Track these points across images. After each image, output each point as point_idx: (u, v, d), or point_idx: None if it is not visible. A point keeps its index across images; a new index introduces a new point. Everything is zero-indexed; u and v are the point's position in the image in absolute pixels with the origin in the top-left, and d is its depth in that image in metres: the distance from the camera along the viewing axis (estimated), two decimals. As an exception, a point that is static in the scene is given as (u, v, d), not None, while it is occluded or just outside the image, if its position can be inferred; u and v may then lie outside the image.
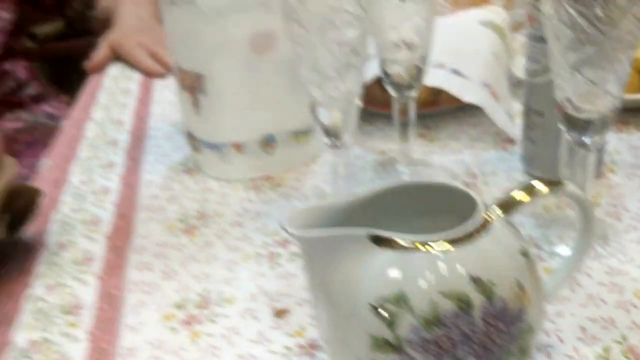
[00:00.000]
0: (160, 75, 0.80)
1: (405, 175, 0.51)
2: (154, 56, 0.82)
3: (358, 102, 0.43)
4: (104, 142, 0.63)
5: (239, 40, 0.49)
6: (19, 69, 1.03)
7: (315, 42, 0.40)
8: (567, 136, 0.38)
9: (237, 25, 0.49)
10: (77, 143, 0.64)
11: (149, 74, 0.80)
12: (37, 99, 1.05)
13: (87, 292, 0.41)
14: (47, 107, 1.05)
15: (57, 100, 1.10)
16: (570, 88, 0.36)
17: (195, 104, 0.53)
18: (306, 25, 0.40)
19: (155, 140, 0.62)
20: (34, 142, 0.94)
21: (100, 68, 0.85)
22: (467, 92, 0.54)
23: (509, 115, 0.56)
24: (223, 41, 0.49)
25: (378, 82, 0.51)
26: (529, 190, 0.29)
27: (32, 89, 1.03)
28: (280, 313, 0.38)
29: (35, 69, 1.08)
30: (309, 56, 0.41)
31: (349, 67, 0.42)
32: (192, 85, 0.52)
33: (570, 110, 0.36)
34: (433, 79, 0.53)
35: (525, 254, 0.28)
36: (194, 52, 0.51)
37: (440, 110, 0.59)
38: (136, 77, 0.80)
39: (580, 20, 0.32)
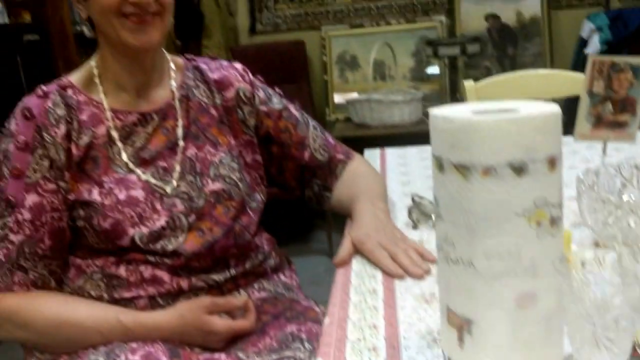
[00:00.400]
0: (400, 277, 0.93)
1: None
2: (394, 257, 0.96)
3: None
4: (366, 347, 0.75)
5: (507, 297, 0.60)
6: (264, 241, 1.22)
7: (588, 326, 0.50)
8: None
9: (507, 286, 0.60)
10: (342, 344, 0.77)
11: (389, 275, 0.94)
12: (276, 269, 1.23)
13: None
14: (282, 277, 1.23)
15: (289, 270, 1.28)
16: None
17: (460, 339, 0.63)
18: (582, 314, 0.50)
19: (409, 352, 0.73)
20: (278, 313, 1.10)
21: (346, 263, 1.00)
22: None
23: None
24: (493, 298, 0.60)
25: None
26: None
27: (272, 260, 1.22)
28: None
29: (273, 241, 1.27)
30: (582, 333, 0.50)
31: (618, 338, 0.50)
32: (460, 325, 0.63)
33: None
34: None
35: None
36: (465, 302, 0.62)
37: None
38: (378, 276, 0.94)
39: None
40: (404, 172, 1.50)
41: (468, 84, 1.84)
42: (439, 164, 0.60)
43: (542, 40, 3.38)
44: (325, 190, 1.26)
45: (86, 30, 1.09)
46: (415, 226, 1.10)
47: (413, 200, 1.14)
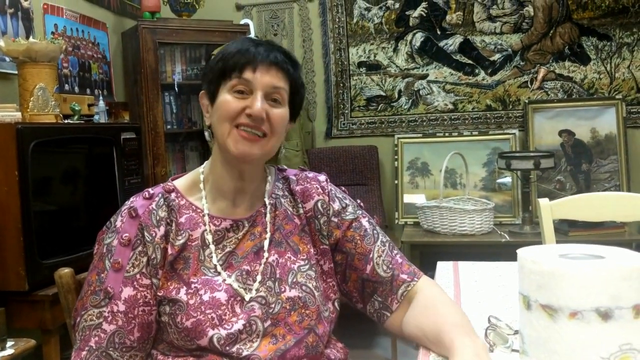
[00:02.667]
0: None
1: None
2: None
3: None
4: None
5: None
6: (338, 351, 1.24)
7: None
8: None
9: None
10: None
11: None
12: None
13: None
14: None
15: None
16: None
17: None
18: None
19: None
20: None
21: None
22: None
23: None
24: None
25: None
26: None
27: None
28: None
29: (347, 352, 1.29)
30: None
31: None
32: None
33: None
34: None
35: None
36: None
37: None
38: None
39: None
40: (478, 289, 1.51)
41: (543, 202, 1.87)
42: (526, 302, 0.63)
43: (618, 157, 3.37)
44: (386, 309, 1.22)
45: (207, 135, 1.22)
46: (491, 349, 1.10)
47: (489, 321, 1.15)
